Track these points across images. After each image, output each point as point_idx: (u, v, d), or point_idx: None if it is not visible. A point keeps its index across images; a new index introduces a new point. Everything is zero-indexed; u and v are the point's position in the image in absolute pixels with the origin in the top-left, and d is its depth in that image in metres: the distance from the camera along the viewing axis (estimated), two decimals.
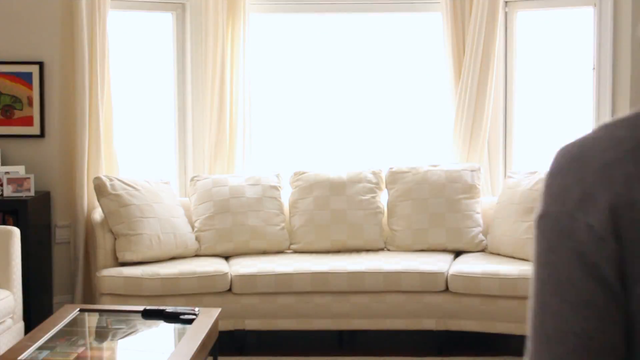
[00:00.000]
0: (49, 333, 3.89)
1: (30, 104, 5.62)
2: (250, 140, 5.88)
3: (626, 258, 0.97)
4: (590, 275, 0.97)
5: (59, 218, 5.71)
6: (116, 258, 5.31)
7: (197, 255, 5.51)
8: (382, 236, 5.58)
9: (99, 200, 5.37)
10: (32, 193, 5.40)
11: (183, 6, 5.93)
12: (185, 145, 6.00)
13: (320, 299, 5.16)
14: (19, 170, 5.50)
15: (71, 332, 4.02)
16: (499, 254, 5.40)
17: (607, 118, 5.59)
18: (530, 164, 5.79)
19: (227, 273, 5.18)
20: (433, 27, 5.83)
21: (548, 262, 1.01)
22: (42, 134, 5.64)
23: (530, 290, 1.03)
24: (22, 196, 5.35)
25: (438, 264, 5.21)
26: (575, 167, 1.01)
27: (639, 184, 0.96)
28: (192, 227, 5.59)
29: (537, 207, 1.03)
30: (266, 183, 5.68)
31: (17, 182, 5.40)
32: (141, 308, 4.29)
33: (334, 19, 6.06)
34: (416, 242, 5.41)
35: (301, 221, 5.60)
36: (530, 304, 1.02)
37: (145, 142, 6.05)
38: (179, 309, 4.24)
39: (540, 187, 1.07)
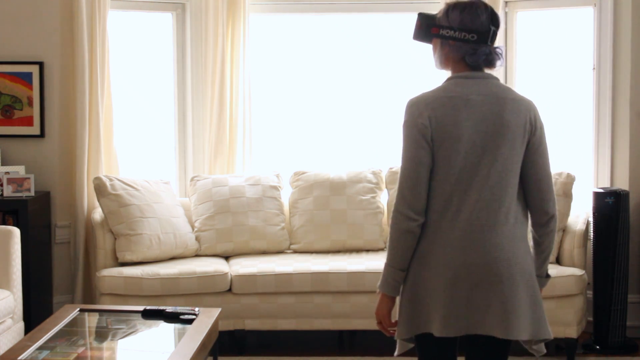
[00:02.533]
0: (49, 333, 3.89)
1: (30, 104, 5.62)
2: (250, 140, 5.88)
3: (433, 135, 2.86)
4: (422, 137, 2.86)
5: (59, 218, 5.71)
6: (116, 258, 5.31)
7: (197, 255, 5.51)
8: (382, 236, 5.58)
9: (99, 200, 5.37)
10: (32, 193, 5.40)
11: (183, 6, 5.93)
12: (185, 145, 6.00)
13: (320, 299, 5.16)
14: (19, 170, 5.50)
15: (71, 332, 4.01)
16: None
17: (607, 118, 5.59)
18: None
19: (227, 273, 5.18)
20: None
21: (406, 135, 2.90)
22: (42, 134, 5.64)
23: (402, 156, 2.91)
24: (22, 196, 5.35)
25: None
26: (416, 104, 2.92)
27: (434, 111, 2.87)
28: (192, 227, 5.59)
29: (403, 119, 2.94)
30: (266, 183, 5.67)
31: (17, 182, 5.40)
32: (141, 308, 4.29)
33: (334, 19, 6.06)
34: None
35: (301, 221, 5.60)
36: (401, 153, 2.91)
37: (145, 142, 6.05)
38: (179, 309, 4.24)
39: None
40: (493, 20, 2.92)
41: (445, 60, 2.97)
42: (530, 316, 2.88)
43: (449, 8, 2.94)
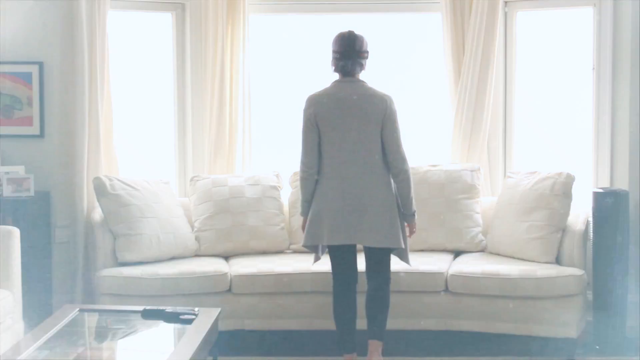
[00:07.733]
0: (49, 333, 3.89)
1: (30, 104, 5.62)
2: (250, 140, 5.88)
3: (317, 121, 4.58)
4: (310, 124, 4.58)
5: (59, 218, 5.70)
6: (116, 258, 5.31)
7: (197, 255, 5.51)
8: None
9: (98, 200, 5.37)
10: (32, 193, 5.40)
11: (183, 6, 5.93)
12: (185, 145, 6.00)
13: (320, 299, 5.16)
14: (19, 170, 5.50)
15: (71, 332, 4.02)
16: (498, 254, 5.40)
17: (607, 118, 5.60)
18: (530, 164, 5.79)
19: (227, 273, 5.18)
20: (433, 27, 5.83)
21: (303, 121, 4.61)
22: (42, 134, 5.65)
23: (301, 132, 4.64)
24: (22, 196, 5.35)
25: (438, 264, 5.21)
26: (310, 100, 4.64)
27: (317, 105, 4.60)
28: (192, 227, 5.59)
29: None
30: (266, 183, 5.68)
31: (17, 182, 5.40)
32: (141, 308, 4.29)
33: (334, 19, 6.05)
34: (416, 242, 5.38)
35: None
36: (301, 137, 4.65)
37: (145, 142, 6.05)
38: (179, 309, 4.24)
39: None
40: (354, 43, 4.62)
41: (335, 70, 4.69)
42: (385, 233, 4.54)
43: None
